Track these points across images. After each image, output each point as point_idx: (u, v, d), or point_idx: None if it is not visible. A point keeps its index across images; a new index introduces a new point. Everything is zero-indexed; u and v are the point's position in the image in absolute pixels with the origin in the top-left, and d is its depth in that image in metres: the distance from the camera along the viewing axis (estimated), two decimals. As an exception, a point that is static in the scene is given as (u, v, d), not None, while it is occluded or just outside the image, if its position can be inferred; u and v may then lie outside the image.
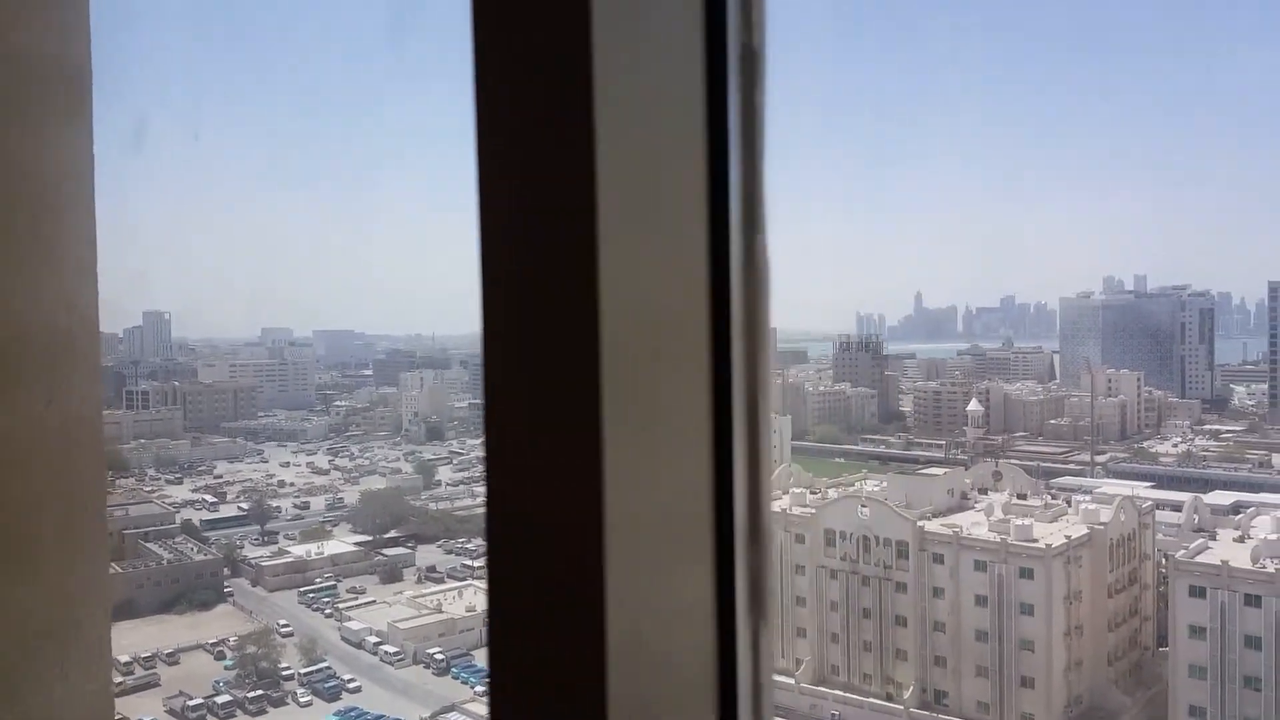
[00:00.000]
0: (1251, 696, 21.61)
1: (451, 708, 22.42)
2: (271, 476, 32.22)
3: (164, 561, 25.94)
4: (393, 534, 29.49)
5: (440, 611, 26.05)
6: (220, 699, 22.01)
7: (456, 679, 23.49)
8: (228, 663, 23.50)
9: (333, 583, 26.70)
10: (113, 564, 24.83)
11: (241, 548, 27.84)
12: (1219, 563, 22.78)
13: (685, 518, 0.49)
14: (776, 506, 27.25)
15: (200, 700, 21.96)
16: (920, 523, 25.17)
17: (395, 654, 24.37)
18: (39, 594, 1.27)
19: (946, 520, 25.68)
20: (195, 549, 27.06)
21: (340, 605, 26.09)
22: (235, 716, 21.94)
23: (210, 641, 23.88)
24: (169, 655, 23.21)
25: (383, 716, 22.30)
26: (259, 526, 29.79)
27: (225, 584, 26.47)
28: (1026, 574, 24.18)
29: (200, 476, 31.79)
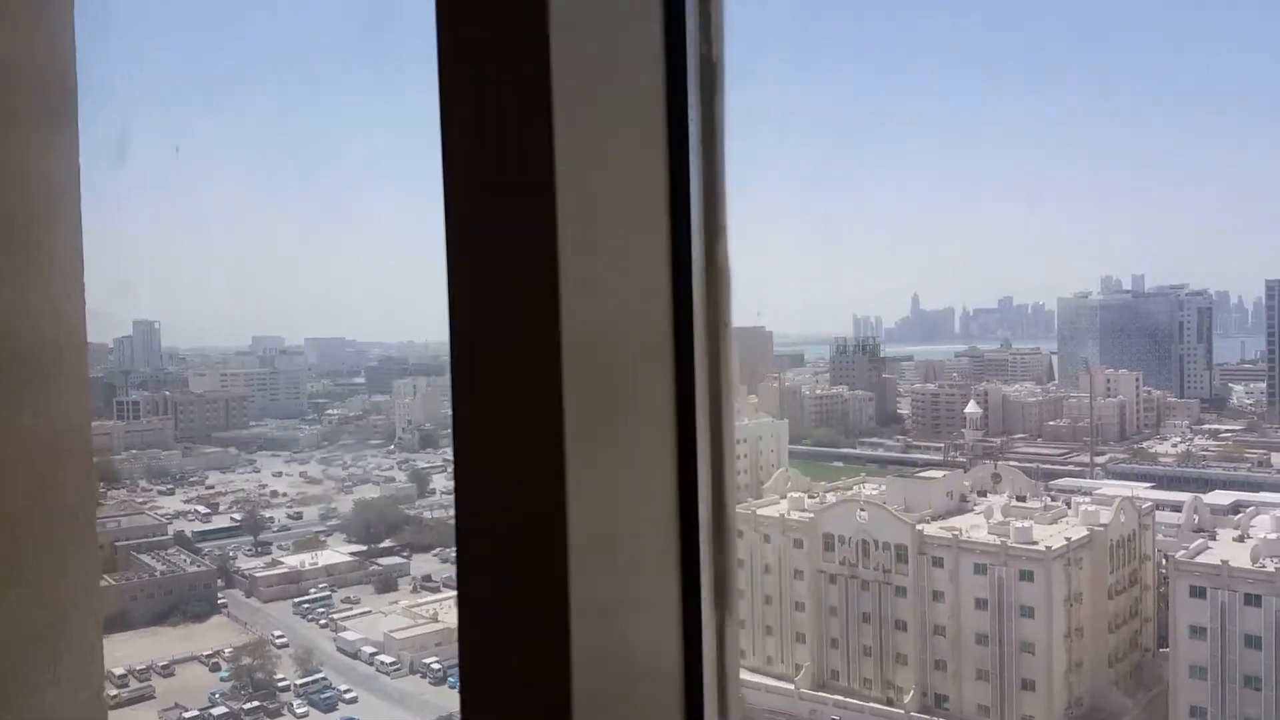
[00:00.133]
0: (1252, 696, 21.58)
1: (449, 718, 22.27)
2: (264, 487, 32.01)
3: (157, 573, 25.77)
4: (387, 543, 29.32)
5: (436, 620, 25.90)
6: (216, 711, 21.84)
7: (454, 689, 23.32)
8: (223, 674, 23.33)
9: (327, 593, 26.53)
10: (106, 576, 24.60)
11: (235, 559, 27.65)
12: (1219, 563, 22.79)
13: (650, 517, 0.50)
14: (774, 511, 27.19)
15: (196, 712, 21.79)
16: (919, 526, 25.16)
17: (392, 664, 24.21)
18: (30, 602, 1.27)
19: (946, 523, 25.68)
20: (188, 560, 26.88)
21: (335, 615, 25.92)
22: (232, 729, 21.75)
23: (205, 653, 23.70)
24: (164, 667, 23.03)
25: (380, 727, 22.12)
26: (252, 537, 29.60)
27: (219, 595, 26.28)
28: (1026, 576, 24.16)
29: (192, 487, 31.54)
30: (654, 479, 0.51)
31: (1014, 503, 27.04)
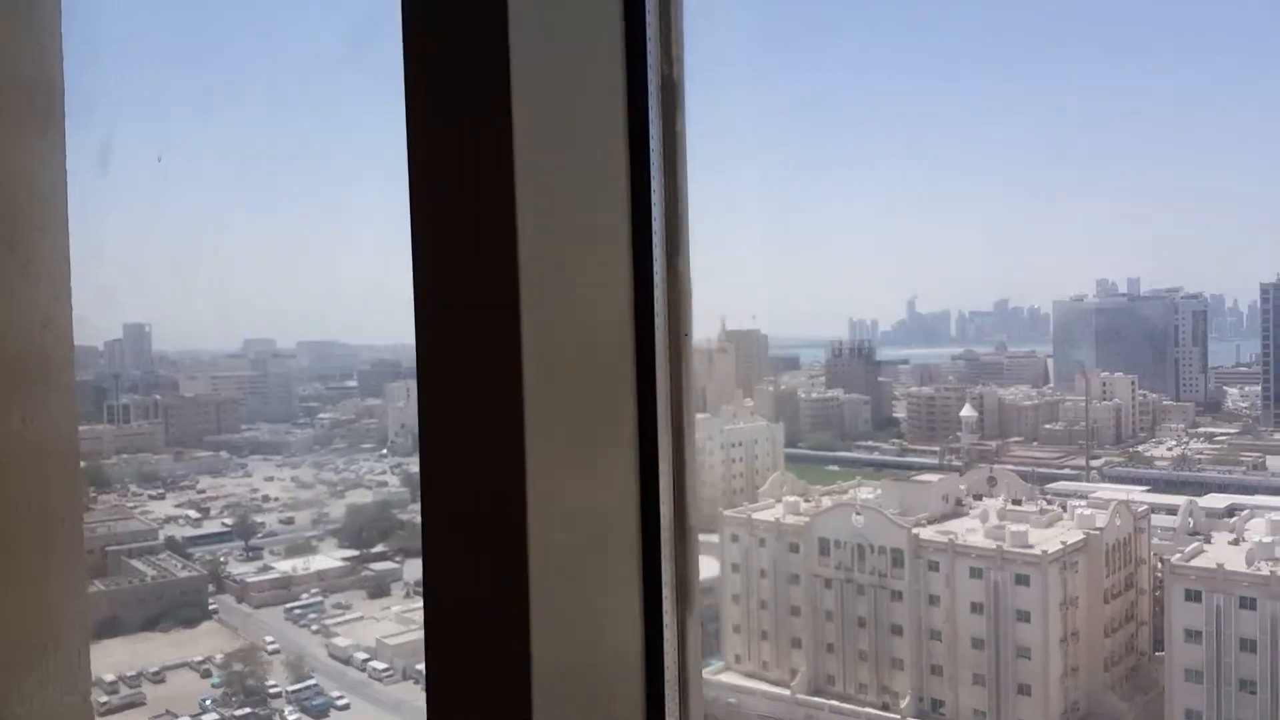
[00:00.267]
0: (1247, 699, 21.63)
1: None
2: (255, 491, 31.75)
3: (148, 578, 25.56)
4: (380, 548, 29.13)
5: (432, 626, 25.66)
6: (207, 717, 21.65)
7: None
8: (214, 680, 23.14)
9: (319, 598, 26.34)
10: (97, 581, 24.39)
11: (226, 564, 27.44)
12: (1214, 566, 22.86)
13: (612, 519, 0.52)
14: (770, 515, 27.17)
15: (187, 719, 21.60)
16: (915, 530, 25.17)
17: (384, 670, 24.03)
18: (17, 606, 1.28)
19: (941, 527, 25.70)
20: (180, 565, 26.68)
21: (327, 621, 25.73)
22: (223, 736, 21.57)
23: (196, 659, 23.51)
24: (154, 673, 22.83)
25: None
26: (243, 542, 29.37)
27: (210, 601, 26.08)
28: (1022, 580, 24.18)
29: (183, 492, 31.26)
30: (616, 482, 0.52)
31: (1010, 506, 27.06)
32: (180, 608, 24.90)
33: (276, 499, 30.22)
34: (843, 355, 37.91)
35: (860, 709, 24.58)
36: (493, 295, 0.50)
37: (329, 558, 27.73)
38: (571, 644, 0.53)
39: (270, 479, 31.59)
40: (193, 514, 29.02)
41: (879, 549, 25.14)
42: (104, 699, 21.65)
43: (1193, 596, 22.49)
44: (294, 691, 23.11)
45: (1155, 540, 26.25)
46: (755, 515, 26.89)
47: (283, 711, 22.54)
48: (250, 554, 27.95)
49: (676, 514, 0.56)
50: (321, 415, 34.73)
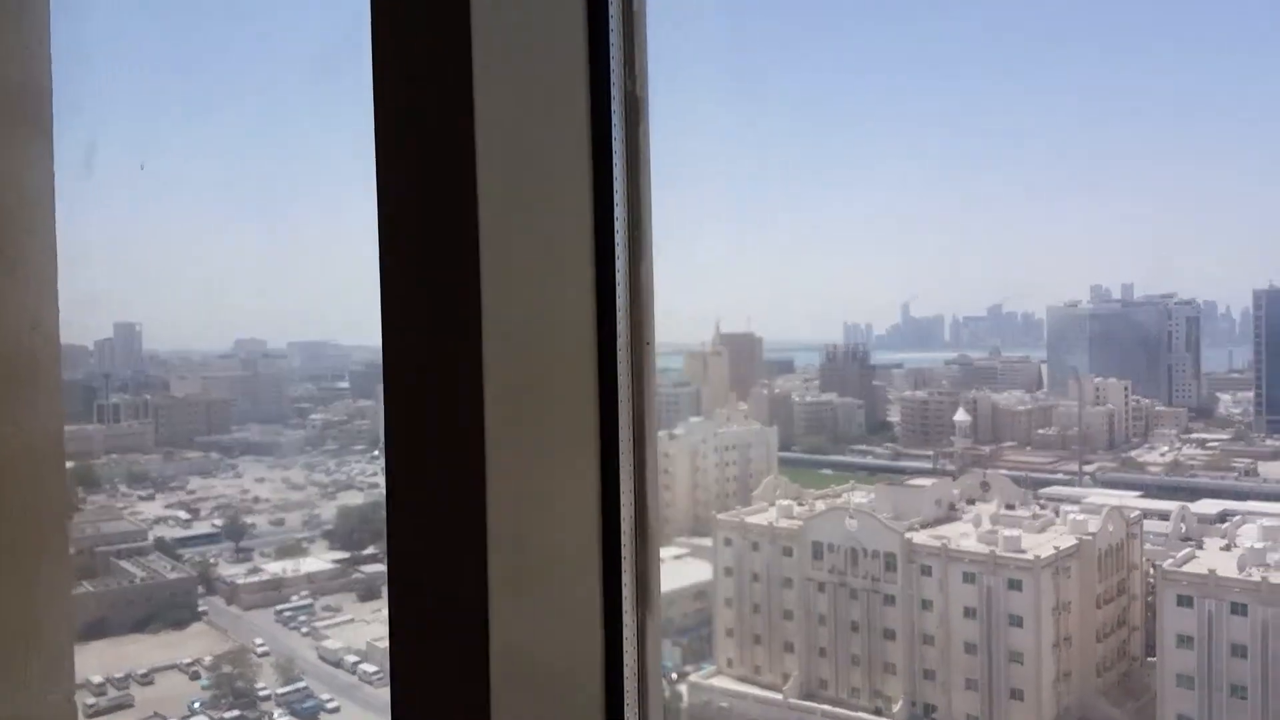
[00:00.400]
0: (1238, 705, 21.73)
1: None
2: (246, 492, 31.50)
3: (137, 579, 25.33)
4: (371, 550, 28.99)
5: (424, 628, 25.54)
6: (196, 720, 21.46)
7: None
8: (203, 683, 22.93)
9: (309, 600, 26.15)
10: (85, 582, 24.15)
11: (216, 565, 27.22)
12: (1206, 572, 22.97)
13: (572, 523, 0.53)
14: (763, 519, 27.18)
15: (176, 721, 21.41)
16: (908, 534, 25.21)
17: (374, 673, 23.89)
18: (1, 606, 1.28)
19: (934, 531, 25.75)
20: (169, 566, 26.46)
21: (317, 624, 25.55)
22: (212, 739, 21.38)
23: (185, 661, 23.30)
24: (143, 675, 22.60)
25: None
26: (233, 543, 29.15)
27: (200, 602, 25.87)
28: (1015, 585, 24.24)
29: (173, 492, 30.98)
30: (577, 486, 0.54)
31: (1003, 511, 27.13)
32: (169, 609, 24.68)
33: (267, 500, 30.01)
34: (837, 359, 38.00)
35: (853, 713, 24.56)
36: (456, 303, 0.52)
37: (320, 560, 27.55)
38: (532, 643, 0.54)
39: (261, 480, 31.36)
40: (183, 515, 28.77)
41: (872, 553, 25.16)
42: (91, 701, 21.41)
43: (1184, 602, 22.59)
44: (283, 694, 22.92)
45: (1147, 546, 26.37)
46: (748, 519, 26.88)
47: (272, 714, 22.36)
48: (240, 555, 27.73)
49: (638, 517, 0.58)
50: (313, 416, 34.51)
